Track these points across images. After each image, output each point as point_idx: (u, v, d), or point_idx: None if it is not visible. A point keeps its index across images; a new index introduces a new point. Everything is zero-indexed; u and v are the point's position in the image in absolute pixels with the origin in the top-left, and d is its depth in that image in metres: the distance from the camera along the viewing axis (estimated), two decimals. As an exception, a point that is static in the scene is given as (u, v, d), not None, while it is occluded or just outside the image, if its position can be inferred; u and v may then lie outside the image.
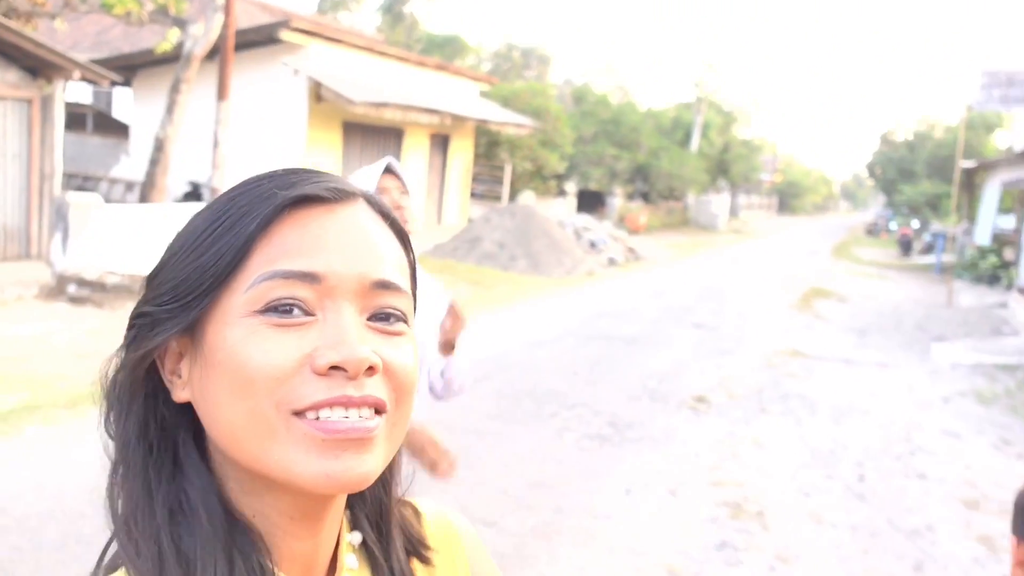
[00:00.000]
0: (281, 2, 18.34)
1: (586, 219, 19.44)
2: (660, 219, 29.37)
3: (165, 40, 11.40)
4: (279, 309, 0.56)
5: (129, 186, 13.96)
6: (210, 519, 0.58)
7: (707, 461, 5.47)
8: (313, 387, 0.55)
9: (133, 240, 8.43)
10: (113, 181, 14.43)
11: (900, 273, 21.16)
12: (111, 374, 0.61)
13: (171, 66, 12.80)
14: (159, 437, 0.60)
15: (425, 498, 0.80)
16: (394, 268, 0.61)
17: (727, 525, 4.46)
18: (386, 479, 0.71)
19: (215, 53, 11.01)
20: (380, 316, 0.59)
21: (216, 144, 10.71)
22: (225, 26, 10.35)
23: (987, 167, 21.71)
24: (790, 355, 9.17)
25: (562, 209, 22.72)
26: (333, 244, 0.58)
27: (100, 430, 0.61)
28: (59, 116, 10.18)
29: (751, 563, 4.02)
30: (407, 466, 0.76)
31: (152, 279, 0.61)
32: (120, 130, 17.76)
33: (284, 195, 0.58)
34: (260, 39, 13.54)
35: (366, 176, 2.16)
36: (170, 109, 10.97)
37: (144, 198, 11.08)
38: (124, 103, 18.20)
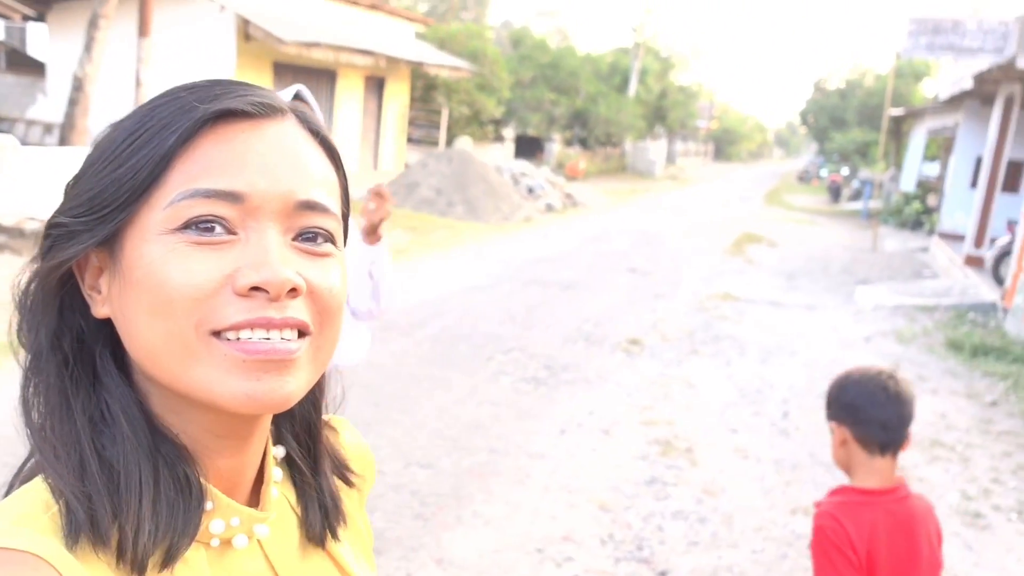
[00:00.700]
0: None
1: (524, 165, 19.38)
2: (598, 165, 29.46)
3: (81, -28, 10.81)
4: (199, 227, 0.55)
5: (47, 128, 13.35)
6: (132, 428, 0.57)
7: (640, 401, 5.60)
8: (233, 308, 0.54)
9: (53, 185, 8.08)
10: (30, 122, 13.77)
11: (829, 219, 21.72)
12: (23, 283, 0.59)
13: (88, 1, 12.17)
14: (76, 349, 0.59)
15: (342, 419, 0.80)
16: (322, 188, 0.59)
17: (657, 462, 4.59)
18: (315, 398, 0.70)
19: (135, -13, 10.49)
20: (306, 236, 0.58)
21: (138, 84, 10.29)
22: (145, -41, 9.85)
23: (914, 115, 22.29)
24: (722, 298, 9.38)
25: (500, 155, 22.58)
26: (257, 162, 0.56)
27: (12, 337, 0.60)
28: (-33, 52, 9.61)
29: (679, 497, 4.16)
30: (336, 387, 0.76)
31: (70, 188, 0.58)
32: (36, 68, 16.85)
33: (205, 108, 0.56)
34: (184, -26, 12.94)
35: None
36: (88, 46, 10.46)
37: (64, 140, 10.60)
38: (39, 39, 17.26)
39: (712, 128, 53.40)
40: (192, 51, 13.33)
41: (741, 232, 16.16)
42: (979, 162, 14.39)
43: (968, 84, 13.06)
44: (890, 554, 1.72)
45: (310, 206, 0.58)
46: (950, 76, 16.70)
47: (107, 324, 0.59)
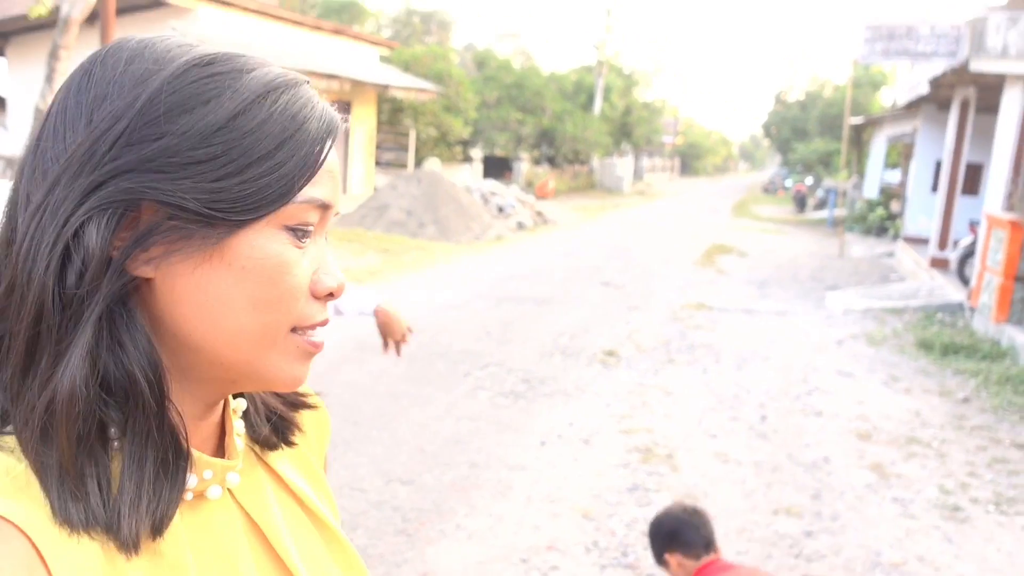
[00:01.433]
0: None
1: (493, 184, 19.44)
2: (566, 183, 29.63)
3: (39, 3, 10.72)
4: (298, 231, 0.58)
5: (9, 162, 13.15)
6: (154, 396, 0.54)
7: (618, 411, 5.61)
8: (314, 308, 0.60)
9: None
10: (-9, 157, 13.55)
11: (796, 228, 22.01)
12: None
13: (48, 32, 12.07)
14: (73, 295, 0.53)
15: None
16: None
17: (638, 469, 4.59)
18: None
19: (96, 17, 10.43)
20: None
21: (102, 114, 10.17)
22: (105, -12, 9.80)
23: (873, 123, 22.72)
24: (695, 308, 9.45)
25: (469, 175, 22.63)
26: (335, 178, 0.61)
27: None
28: (-75, 87, 9.47)
29: (661, 502, 4.16)
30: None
31: (196, 166, 0.54)
32: (-5, 103, 16.67)
33: (333, 120, 0.61)
34: (146, 2, 12.90)
35: None
36: (49, 78, 10.34)
37: (26, 173, 10.44)
38: (-2, 74, 17.07)
39: (677, 143, 53.97)
40: (155, 80, 13.25)
41: (711, 243, 16.31)
42: (939, 166, 14.70)
43: (924, 90, 13.35)
44: None
45: (335, 214, 0.64)
46: (907, 83, 17.07)
47: (121, 280, 0.54)
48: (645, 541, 3.72)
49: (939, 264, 12.05)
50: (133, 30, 12.99)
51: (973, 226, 11.25)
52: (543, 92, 28.66)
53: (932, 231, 13.36)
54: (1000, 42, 9.31)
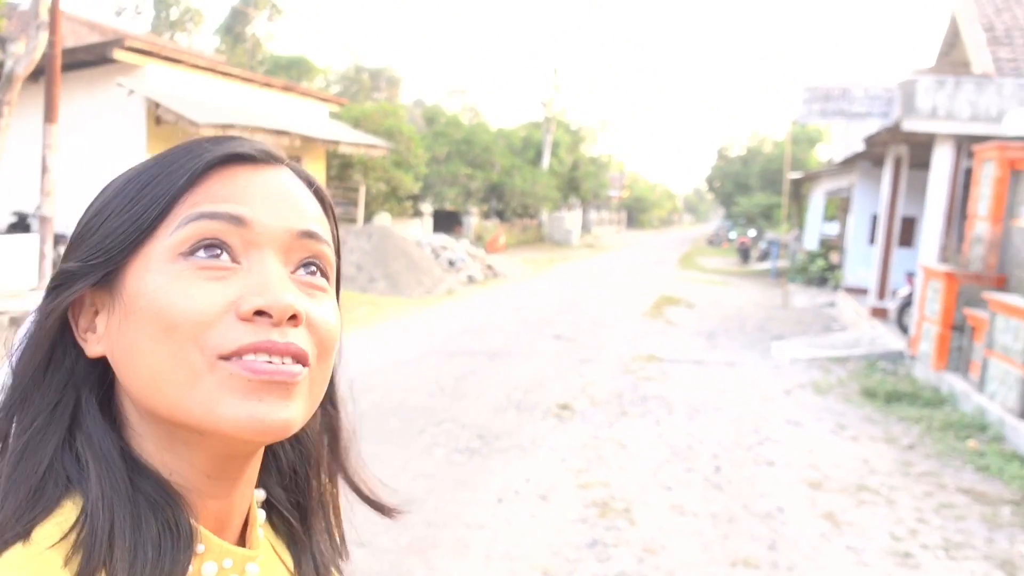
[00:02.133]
0: (112, 22, 17.43)
1: (444, 238, 19.53)
2: (516, 236, 29.89)
3: (-18, 59, 10.56)
4: (206, 250, 0.57)
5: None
6: (108, 469, 0.56)
7: (574, 465, 5.61)
8: (238, 331, 0.55)
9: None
10: (-74, 213, 13.16)
11: (741, 279, 22.48)
12: (24, 331, 0.60)
13: (-10, 88, 11.86)
14: (61, 393, 0.59)
15: None
16: (317, 224, 0.63)
17: (597, 524, 4.58)
18: (306, 450, 0.72)
19: (41, 73, 10.32)
20: (305, 266, 0.61)
21: (45, 170, 10.01)
22: (50, 44, 9.72)
23: (812, 178, 23.50)
24: (646, 360, 9.55)
25: (419, 229, 22.69)
26: (259, 196, 0.60)
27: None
28: None
29: (620, 557, 4.15)
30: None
31: (76, 238, 0.60)
32: (-69, 158, 16.23)
33: (213, 151, 0.60)
34: (92, 59, 12.79)
35: None
36: (-9, 133, 10.16)
37: (-36, 230, 10.18)
38: (-65, 129, 16.64)
39: (624, 197, 55.00)
40: (101, 136, 13.10)
41: (659, 295, 16.56)
42: (875, 219, 15.23)
43: (860, 147, 13.91)
44: None
45: (310, 235, 0.61)
46: (843, 140, 17.75)
47: (95, 370, 0.60)
48: (606, 598, 3.70)
49: (879, 313, 12.41)
50: (79, 86, 12.87)
51: (910, 277, 11.65)
52: (492, 147, 29.05)
53: (871, 282, 13.79)
54: (930, 103, 9.79)
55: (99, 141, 13.03)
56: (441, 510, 4.64)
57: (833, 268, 19.03)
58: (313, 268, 0.61)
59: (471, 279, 17.09)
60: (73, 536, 0.53)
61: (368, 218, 20.63)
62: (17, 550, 0.51)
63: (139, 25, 34.74)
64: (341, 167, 20.42)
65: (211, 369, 0.55)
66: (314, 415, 0.69)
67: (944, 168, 10.15)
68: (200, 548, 0.59)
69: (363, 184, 20.70)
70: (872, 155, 14.46)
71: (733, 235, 40.78)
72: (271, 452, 0.71)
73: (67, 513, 0.54)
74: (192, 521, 0.58)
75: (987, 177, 8.49)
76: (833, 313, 14.90)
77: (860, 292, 15.15)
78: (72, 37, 14.26)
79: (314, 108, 18.36)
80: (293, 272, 0.60)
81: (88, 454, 0.56)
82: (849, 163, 16.71)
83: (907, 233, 13.76)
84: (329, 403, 0.71)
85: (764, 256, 27.91)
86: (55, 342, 0.59)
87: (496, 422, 6.55)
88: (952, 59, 13.64)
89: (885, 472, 5.78)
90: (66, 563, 0.51)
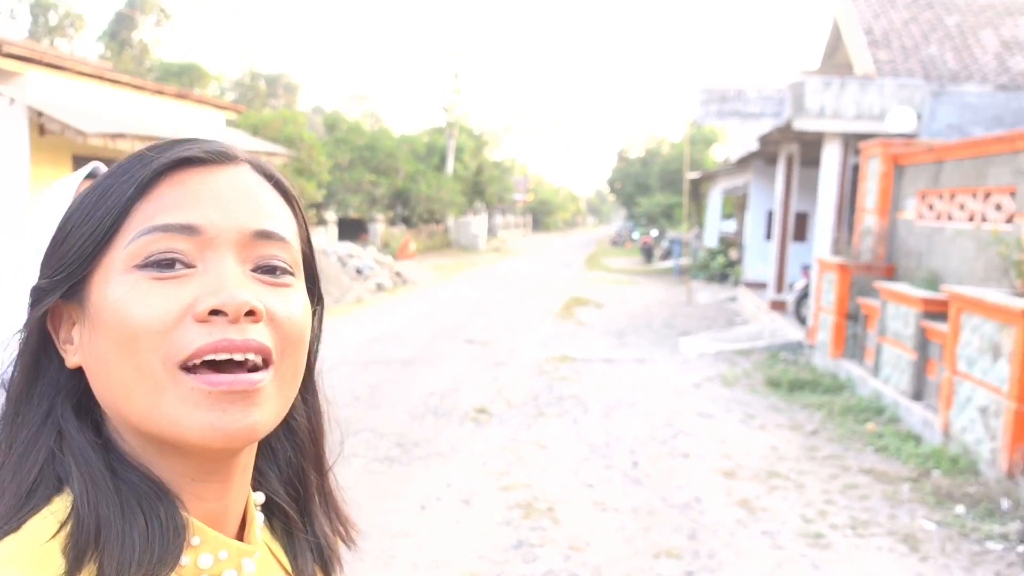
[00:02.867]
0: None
1: (350, 247, 19.24)
2: (423, 242, 29.72)
3: None
4: (160, 264, 0.57)
5: None
6: (87, 468, 0.58)
7: (495, 468, 5.61)
8: (194, 333, 0.56)
9: None
10: None
11: (645, 278, 23.01)
12: (10, 351, 0.63)
13: None
14: (50, 403, 0.61)
15: None
16: (276, 221, 0.62)
17: (521, 525, 4.60)
18: (300, 443, 0.72)
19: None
20: (266, 268, 0.60)
21: (-82, 185, 9.37)
22: (-79, 51, 9.11)
23: (709, 177, 24.26)
24: (559, 360, 9.65)
25: (323, 238, 22.31)
26: (211, 198, 0.59)
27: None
28: None
29: (547, 557, 4.18)
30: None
31: (45, 256, 0.62)
32: None
33: (160, 158, 0.60)
34: (-35, 67, 12.04)
35: (65, 185, 2.00)
36: None
37: None
38: None
39: (528, 200, 55.50)
40: (-21, 148, 12.35)
41: (569, 296, 16.77)
42: (771, 216, 15.86)
43: (754, 146, 14.44)
44: None
45: (265, 235, 0.60)
46: (739, 140, 18.40)
47: (81, 378, 0.61)
48: (535, 598, 3.71)
49: (778, 306, 12.91)
50: (-48, 95, 12.08)
51: (805, 270, 12.18)
52: (395, 153, 28.83)
53: (769, 276, 14.34)
54: (818, 103, 10.26)
55: (-23, 154, 12.28)
56: (364, 521, 4.53)
57: (733, 264, 19.69)
58: (273, 264, 0.61)
59: (380, 287, 16.90)
60: (66, 528, 0.55)
61: (271, 228, 20.13)
62: (9, 541, 0.54)
63: (15, 30, 32.95)
64: (240, 176, 19.86)
65: (174, 380, 0.56)
66: (301, 408, 0.71)
67: (833, 165, 10.66)
68: (196, 540, 0.60)
69: (264, 193, 20.19)
70: (766, 154, 15.05)
71: (636, 235, 41.71)
72: (269, 448, 0.72)
73: (58, 508, 0.56)
74: (183, 512, 0.59)
75: (873, 173, 8.96)
76: (735, 308, 15.41)
77: (759, 286, 15.73)
78: (-58, 44, 13.40)
79: (210, 116, 17.81)
80: (253, 270, 0.60)
81: (68, 453, 0.58)
82: (744, 162, 17.34)
83: (801, 228, 14.37)
84: (308, 394, 0.72)
85: (667, 255, 28.64)
86: (39, 356, 0.61)
87: (414, 429, 6.49)
88: (836, 61, 14.34)
89: (793, 458, 6.01)
90: (62, 552, 0.54)
